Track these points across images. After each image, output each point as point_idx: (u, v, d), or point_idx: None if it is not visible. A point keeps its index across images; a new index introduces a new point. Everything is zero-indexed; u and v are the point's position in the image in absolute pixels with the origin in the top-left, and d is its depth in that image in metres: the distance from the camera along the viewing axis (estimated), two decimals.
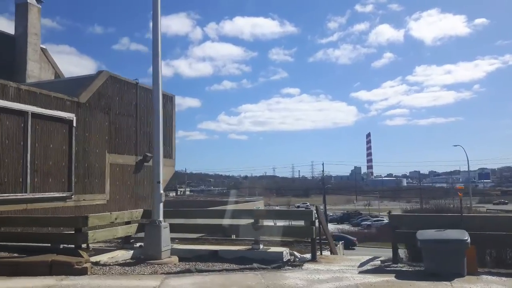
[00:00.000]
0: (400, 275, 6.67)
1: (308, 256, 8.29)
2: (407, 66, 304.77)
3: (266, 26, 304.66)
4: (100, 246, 9.54)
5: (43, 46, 21.26)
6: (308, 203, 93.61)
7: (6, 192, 13.47)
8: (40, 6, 20.59)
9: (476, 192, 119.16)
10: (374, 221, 62.31)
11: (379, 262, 7.74)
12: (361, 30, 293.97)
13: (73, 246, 8.63)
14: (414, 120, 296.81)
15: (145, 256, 7.84)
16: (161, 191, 8.09)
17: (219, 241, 10.70)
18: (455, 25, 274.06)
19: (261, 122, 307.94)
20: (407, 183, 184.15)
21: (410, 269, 7.21)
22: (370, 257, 8.19)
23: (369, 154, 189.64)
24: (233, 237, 10.92)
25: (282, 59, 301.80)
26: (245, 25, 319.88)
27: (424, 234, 6.74)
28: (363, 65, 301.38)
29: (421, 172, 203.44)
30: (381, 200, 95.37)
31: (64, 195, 15.54)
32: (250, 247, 8.27)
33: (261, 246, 8.20)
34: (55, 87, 16.49)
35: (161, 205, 8.07)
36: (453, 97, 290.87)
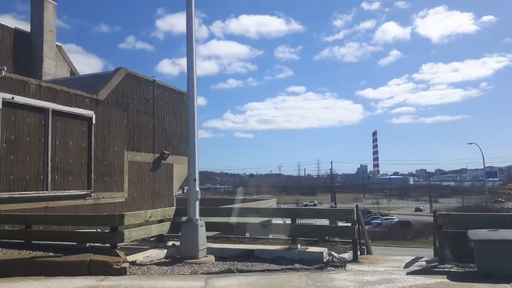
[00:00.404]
0: (453, 277, 6.42)
1: (346, 256, 8.06)
2: (413, 64, 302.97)
3: (271, 24, 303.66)
4: (124, 245, 9.30)
5: (58, 44, 21.11)
6: (316, 201, 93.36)
7: (27, 189, 13.33)
8: (56, 3, 20.44)
9: (483, 191, 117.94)
10: (384, 219, 61.90)
11: (424, 263, 7.48)
12: (367, 28, 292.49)
13: (97, 244, 8.47)
14: (420, 118, 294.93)
15: (181, 255, 7.63)
16: (197, 189, 7.87)
17: (241, 239, 10.44)
18: (462, 22, 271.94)
19: (266, 121, 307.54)
20: (413, 181, 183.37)
21: (460, 270, 6.95)
22: (413, 257, 7.94)
23: (375, 153, 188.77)
24: (247, 235, 10.63)
25: (287, 57, 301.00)
26: (250, 23, 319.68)
27: (478, 234, 6.47)
28: (369, 63, 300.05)
29: (427, 170, 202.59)
30: (389, 199, 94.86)
31: (84, 193, 15.39)
32: (287, 246, 8.04)
33: (299, 246, 7.96)
34: (73, 84, 16.31)
35: (197, 203, 7.85)
36: (460, 95, 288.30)
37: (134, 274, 6.73)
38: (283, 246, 8.30)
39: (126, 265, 6.79)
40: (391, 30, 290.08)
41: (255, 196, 57.22)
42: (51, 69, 19.93)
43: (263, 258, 7.82)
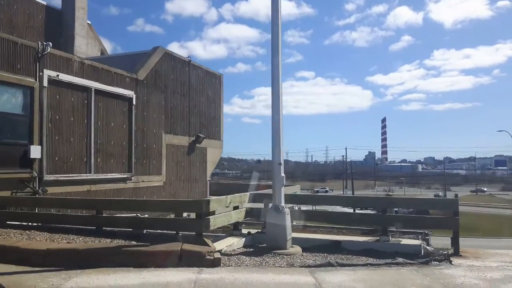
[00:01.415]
0: None
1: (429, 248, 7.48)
2: (425, 49, 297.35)
3: (282, 7, 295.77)
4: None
5: (88, 22, 20.37)
6: (327, 188, 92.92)
7: (71, 172, 12.84)
8: None
9: (496, 180, 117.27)
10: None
11: None
12: (379, 12, 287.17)
13: (157, 231, 7.93)
14: (430, 105, 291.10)
15: (267, 245, 7.09)
16: (282, 174, 7.29)
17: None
18: (476, 7, 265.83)
19: None
20: (422, 169, 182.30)
21: None
22: None
23: (384, 140, 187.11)
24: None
25: (297, 41, 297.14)
26: (261, 6, 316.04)
27: None
28: (380, 48, 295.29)
29: (435, 158, 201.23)
30: (402, 186, 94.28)
31: (125, 176, 14.89)
32: (378, 238, 7.48)
33: (390, 238, 7.39)
34: (107, 63, 15.61)
35: (283, 188, 7.28)
36: (471, 82, 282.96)
37: (228, 266, 6.19)
38: (372, 237, 7.75)
39: (218, 255, 6.25)
40: (404, 14, 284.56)
41: (270, 182, 56.59)
42: (83, 47, 19.24)
43: (351, 250, 7.26)
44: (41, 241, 6.73)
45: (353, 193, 60.66)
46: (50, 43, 12.08)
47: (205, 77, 19.96)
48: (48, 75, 12.01)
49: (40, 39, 17.89)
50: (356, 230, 10.65)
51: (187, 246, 6.25)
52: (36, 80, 11.68)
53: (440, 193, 71.63)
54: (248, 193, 8.37)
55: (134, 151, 15.19)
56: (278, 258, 6.67)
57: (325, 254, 7.05)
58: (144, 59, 16.42)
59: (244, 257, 6.71)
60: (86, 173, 13.32)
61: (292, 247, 7.19)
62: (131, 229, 8.21)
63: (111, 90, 14.25)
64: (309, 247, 7.47)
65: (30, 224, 8.39)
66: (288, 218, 7.17)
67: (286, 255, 6.80)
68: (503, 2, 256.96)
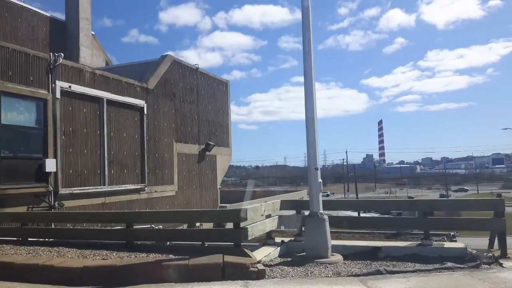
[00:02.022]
0: None
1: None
2: (418, 51, 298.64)
3: (275, 13, 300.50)
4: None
5: (93, 32, 20.14)
6: (328, 192, 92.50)
7: (86, 185, 12.53)
8: None
9: (495, 178, 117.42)
10: None
11: None
12: (372, 16, 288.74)
13: (177, 242, 7.65)
14: (425, 106, 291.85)
15: (308, 254, 6.80)
16: (319, 179, 7.04)
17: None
18: (468, 7, 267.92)
19: (270, 112, 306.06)
20: (420, 169, 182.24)
21: None
22: None
23: (381, 142, 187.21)
24: (282, 228, 9.76)
25: (291, 47, 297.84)
26: (254, 13, 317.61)
27: None
28: (374, 51, 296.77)
29: (433, 158, 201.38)
30: (402, 188, 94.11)
31: (139, 187, 14.59)
32: (419, 242, 7.23)
33: (433, 242, 7.14)
34: (116, 73, 15.35)
35: (321, 195, 7.03)
36: (465, 82, 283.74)
37: (273, 278, 5.90)
38: (412, 242, 7.50)
39: (262, 266, 5.97)
40: (396, 17, 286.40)
41: (272, 188, 56.30)
42: (87, 58, 18.98)
43: (393, 256, 6.99)
44: (73, 258, 6.42)
45: (357, 196, 60.35)
46: (62, 54, 11.85)
47: (213, 84, 19.75)
48: (61, 87, 11.75)
49: (45, 51, 17.63)
50: (380, 234, 10.52)
51: (229, 258, 5.96)
52: (49, 92, 11.42)
53: (444, 193, 71.54)
54: (279, 200, 8.08)
55: (147, 161, 14.90)
56: (321, 267, 6.39)
57: (368, 261, 6.77)
58: (153, 67, 16.19)
59: (286, 267, 6.41)
60: (100, 185, 13.02)
61: (333, 255, 6.91)
62: (153, 241, 7.95)
63: (122, 100, 13.99)
64: (348, 254, 7.19)
65: (47, 240, 8.07)
66: (327, 225, 6.90)
67: (329, 264, 6.51)
68: (494, 2, 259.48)
